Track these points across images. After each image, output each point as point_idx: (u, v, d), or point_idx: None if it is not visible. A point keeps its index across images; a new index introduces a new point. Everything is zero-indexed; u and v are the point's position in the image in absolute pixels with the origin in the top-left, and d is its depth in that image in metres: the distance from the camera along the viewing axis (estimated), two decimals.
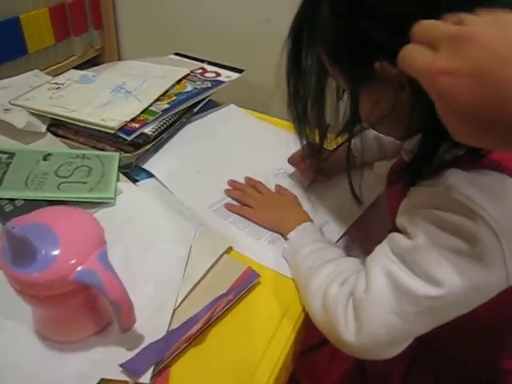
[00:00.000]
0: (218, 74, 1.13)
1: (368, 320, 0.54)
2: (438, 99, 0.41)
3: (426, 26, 0.42)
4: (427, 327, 0.55)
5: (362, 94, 0.59)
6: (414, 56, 0.42)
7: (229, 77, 1.12)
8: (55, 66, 1.45)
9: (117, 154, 0.88)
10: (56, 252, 0.50)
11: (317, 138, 0.75)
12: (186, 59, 1.22)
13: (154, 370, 0.56)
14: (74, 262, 0.51)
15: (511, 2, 0.43)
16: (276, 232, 0.78)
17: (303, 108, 0.69)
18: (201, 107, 1.06)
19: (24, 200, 0.75)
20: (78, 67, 1.47)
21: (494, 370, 0.72)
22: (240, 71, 1.14)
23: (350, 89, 0.61)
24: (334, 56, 0.59)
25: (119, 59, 1.71)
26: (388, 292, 0.54)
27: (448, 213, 0.51)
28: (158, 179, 0.87)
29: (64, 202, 0.76)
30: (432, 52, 0.41)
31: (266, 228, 0.79)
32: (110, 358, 0.57)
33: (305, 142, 0.75)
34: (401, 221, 0.57)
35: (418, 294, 0.52)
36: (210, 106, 1.10)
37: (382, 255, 0.57)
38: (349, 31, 0.55)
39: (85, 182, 0.81)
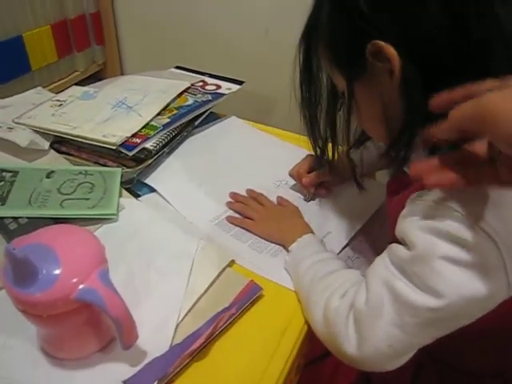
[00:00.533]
0: (219, 87, 1.14)
1: (369, 332, 0.55)
2: None
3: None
4: (429, 338, 0.55)
5: (356, 91, 0.60)
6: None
7: (229, 89, 1.13)
8: (59, 82, 1.47)
9: (119, 169, 0.88)
10: (57, 271, 0.51)
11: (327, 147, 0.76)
12: (186, 72, 1.23)
13: None
14: (75, 280, 0.51)
15: None
16: (278, 244, 0.78)
17: (314, 115, 0.69)
18: (202, 120, 1.07)
19: (28, 218, 0.75)
20: (81, 82, 1.50)
21: (500, 379, 0.72)
22: (240, 83, 1.15)
23: (346, 84, 0.60)
24: (330, 47, 0.59)
25: (122, 73, 1.72)
26: (388, 304, 0.53)
27: (447, 222, 0.51)
28: (160, 194, 0.88)
29: (67, 219, 0.77)
30: None
31: (268, 240, 0.79)
32: (113, 374, 0.57)
33: (317, 150, 0.76)
34: (399, 231, 0.57)
35: (418, 305, 0.51)
36: (212, 118, 1.11)
37: (382, 266, 0.57)
38: (342, 13, 0.55)
39: (87, 199, 0.81)
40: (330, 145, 0.75)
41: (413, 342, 0.55)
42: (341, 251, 0.80)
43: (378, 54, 0.53)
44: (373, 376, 0.82)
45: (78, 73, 1.54)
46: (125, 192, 0.86)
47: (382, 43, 0.52)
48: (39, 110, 1.01)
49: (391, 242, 0.58)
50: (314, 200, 0.90)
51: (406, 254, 0.54)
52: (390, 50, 0.51)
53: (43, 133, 0.94)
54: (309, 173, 0.88)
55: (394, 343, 0.54)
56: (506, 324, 0.64)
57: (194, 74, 1.21)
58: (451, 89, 0.45)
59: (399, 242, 0.57)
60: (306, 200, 0.90)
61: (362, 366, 0.59)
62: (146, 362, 0.59)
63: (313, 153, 0.78)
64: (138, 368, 0.58)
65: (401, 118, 0.56)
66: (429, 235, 0.52)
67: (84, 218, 0.78)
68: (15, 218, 0.75)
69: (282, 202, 0.86)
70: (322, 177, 0.87)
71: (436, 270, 0.50)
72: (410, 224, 0.55)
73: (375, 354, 0.55)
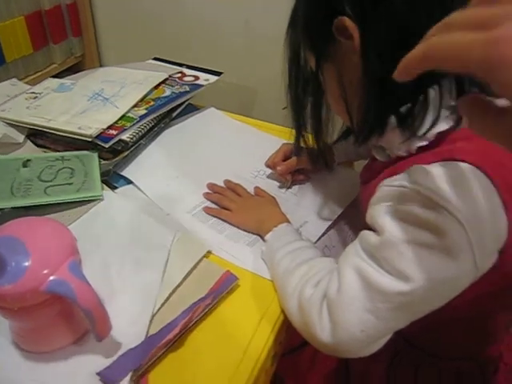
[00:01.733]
0: (197, 78, 1.13)
1: (342, 319, 0.55)
2: None
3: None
4: (402, 323, 0.56)
5: (325, 69, 0.62)
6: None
7: (207, 80, 1.12)
8: (35, 75, 1.44)
9: (95, 153, 0.89)
10: (26, 263, 0.50)
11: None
12: (164, 63, 1.22)
13: (131, 377, 0.56)
14: (45, 272, 0.51)
15: None
16: (255, 234, 0.78)
17: (301, 102, 0.70)
18: (180, 111, 1.06)
19: (0, 210, 0.75)
20: (59, 75, 1.48)
21: (476, 362, 0.73)
22: (218, 74, 1.15)
23: (315, 61, 0.62)
24: (304, 27, 0.61)
25: (100, 65, 1.70)
26: (360, 290, 0.54)
27: (414, 207, 0.51)
28: (136, 185, 0.87)
29: (54, 204, 0.78)
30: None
31: (244, 230, 0.79)
32: (87, 366, 0.57)
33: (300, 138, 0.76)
34: (369, 217, 0.58)
35: (389, 290, 0.52)
36: (190, 109, 1.10)
37: (353, 253, 0.57)
38: None
39: (70, 183, 0.82)
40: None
41: (386, 327, 0.55)
42: (318, 240, 0.80)
43: (343, 30, 0.55)
44: (351, 363, 0.83)
45: (55, 65, 1.52)
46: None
47: (346, 19, 0.54)
48: (14, 102, 1.00)
49: (363, 229, 0.59)
50: (291, 188, 0.90)
51: (376, 239, 0.54)
52: (353, 27, 0.53)
53: (18, 126, 0.93)
54: (284, 161, 0.88)
55: (368, 329, 0.54)
56: (478, 306, 0.65)
57: (172, 66, 1.20)
58: None
59: (371, 229, 0.57)
60: (284, 187, 0.90)
61: (337, 353, 0.60)
62: (120, 353, 0.59)
63: (288, 142, 0.79)
64: (113, 360, 0.58)
65: (364, 97, 0.57)
66: (396, 220, 0.53)
67: (71, 202, 0.79)
68: None
69: (259, 192, 0.87)
70: (299, 164, 0.88)
71: (404, 254, 0.51)
72: (379, 210, 0.55)
73: (349, 340, 0.55)
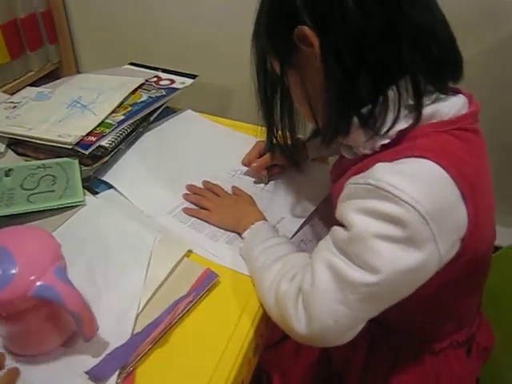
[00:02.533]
0: (173, 81, 1.15)
1: (316, 311, 0.58)
2: None
3: None
4: (373, 312, 0.59)
5: (289, 75, 0.66)
6: None
7: (183, 83, 1.14)
8: (13, 83, 1.46)
9: (76, 159, 0.91)
10: (13, 271, 0.53)
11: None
12: (140, 68, 1.24)
13: (119, 374, 0.59)
14: (31, 278, 0.54)
15: None
16: (233, 232, 0.82)
17: (271, 103, 0.74)
18: (157, 115, 1.09)
19: None
20: (37, 82, 1.49)
21: (448, 340, 0.77)
22: (194, 77, 1.17)
23: (280, 68, 0.66)
24: (268, 34, 0.65)
25: (78, 71, 1.72)
26: (331, 283, 0.57)
27: (378, 202, 0.55)
28: (117, 190, 0.89)
29: (37, 212, 0.80)
30: None
31: (223, 229, 0.82)
32: (76, 366, 0.60)
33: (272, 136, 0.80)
34: (338, 214, 0.61)
35: (358, 282, 0.55)
36: (167, 112, 1.13)
37: (325, 249, 0.60)
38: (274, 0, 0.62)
39: (52, 191, 0.84)
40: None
41: (358, 317, 0.59)
42: (294, 235, 0.83)
43: (303, 38, 0.59)
44: (332, 353, 0.87)
45: (32, 72, 1.53)
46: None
47: (306, 28, 0.58)
48: None
49: (335, 225, 0.62)
50: (267, 185, 0.93)
51: (345, 234, 0.58)
52: (312, 35, 0.58)
53: None
54: (259, 158, 0.92)
55: (340, 319, 0.57)
56: (445, 295, 0.69)
57: (148, 70, 1.22)
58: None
59: (341, 225, 0.61)
60: (261, 183, 0.93)
61: (314, 343, 0.63)
62: (108, 352, 0.61)
63: (262, 139, 0.82)
64: (101, 358, 0.61)
65: (326, 101, 0.62)
66: (363, 216, 0.56)
67: (54, 209, 0.81)
68: None
69: (236, 191, 0.90)
70: (273, 160, 0.91)
71: (371, 247, 0.54)
72: (346, 206, 0.59)
73: (323, 330, 0.58)
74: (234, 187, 0.91)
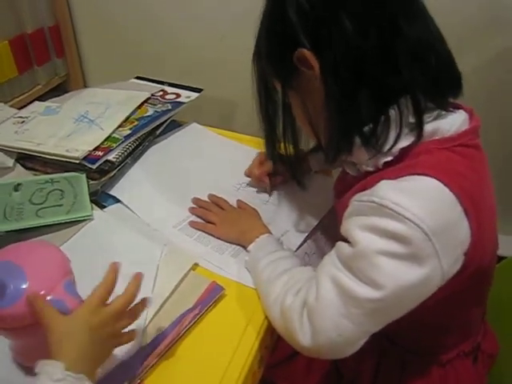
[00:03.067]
0: (178, 95, 1.17)
1: (320, 325, 0.59)
2: None
3: None
4: (377, 326, 0.60)
5: (291, 96, 0.68)
6: None
7: (188, 97, 1.16)
8: (21, 97, 1.48)
9: (83, 174, 0.93)
10: (24, 286, 0.55)
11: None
12: (146, 82, 1.26)
13: None
14: (42, 293, 0.55)
15: None
16: (239, 245, 0.83)
17: (272, 120, 0.75)
18: (163, 129, 1.10)
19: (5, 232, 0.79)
20: (44, 95, 1.51)
21: (455, 351, 0.77)
22: (199, 90, 1.19)
23: (281, 89, 0.68)
24: (268, 57, 0.67)
25: (85, 85, 1.74)
26: (335, 297, 0.58)
27: (382, 220, 0.56)
28: (124, 204, 0.91)
29: (46, 226, 0.82)
30: None
31: (229, 242, 0.84)
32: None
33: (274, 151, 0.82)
34: (343, 230, 0.62)
35: (362, 297, 0.56)
36: (173, 126, 1.14)
37: (330, 263, 0.62)
38: (273, 23, 0.64)
39: (61, 205, 0.86)
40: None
41: (361, 331, 0.60)
42: (298, 248, 0.84)
43: (303, 61, 0.61)
44: (341, 366, 0.87)
45: (40, 86, 1.55)
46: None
47: (305, 51, 0.59)
48: (2, 127, 1.04)
49: (339, 240, 0.63)
50: (272, 198, 0.95)
51: (350, 250, 0.59)
52: (312, 58, 0.59)
53: (7, 150, 0.97)
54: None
55: (344, 332, 0.59)
56: (450, 307, 0.70)
57: (154, 84, 1.24)
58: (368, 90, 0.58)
59: (346, 241, 0.62)
60: (266, 192, 0.95)
61: (318, 355, 0.64)
62: (115, 365, 0.63)
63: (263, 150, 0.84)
64: (108, 371, 0.62)
65: (328, 120, 0.63)
66: (367, 233, 0.57)
67: (62, 224, 0.83)
68: None
69: (241, 205, 0.91)
70: (274, 167, 0.93)
71: (375, 263, 0.56)
72: (351, 223, 0.60)
73: (328, 343, 0.60)
74: (238, 200, 0.92)
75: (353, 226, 0.60)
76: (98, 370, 0.60)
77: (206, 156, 1.07)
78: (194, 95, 1.17)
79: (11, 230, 0.79)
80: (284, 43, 0.62)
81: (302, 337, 0.62)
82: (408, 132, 0.60)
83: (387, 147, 0.61)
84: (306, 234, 0.87)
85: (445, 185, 0.56)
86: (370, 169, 0.64)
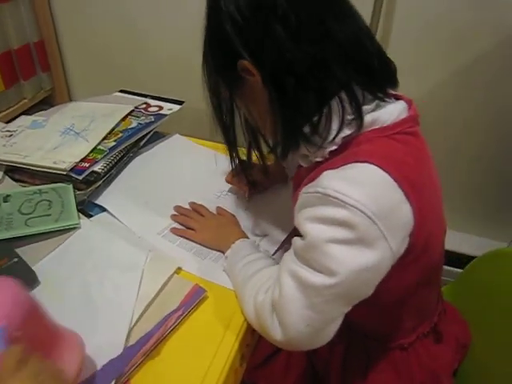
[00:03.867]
0: (161, 108, 1.22)
1: (287, 319, 0.64)
2: None
3: None
4: (339, 311, 0.64)
5: (240, 100, 0.73)
6: None
7: (170, 109, 1.21)
8: (7, 111, 1.51)
9: (70, 184, 0.97)
10: None
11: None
12: (130, 95, 1.31)
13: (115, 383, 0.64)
14: None
15: None
16: (218, 251, 0.87)
17: (226, 125, 0.78)
18: (147, 140, 1.15)
19: None
20: (30, 109, 1.55)
21: (413, 334, 0.82)
22: (180, 103, 1.23)
23: (229, 96, 0.73)
24: (215, 68, 0.71)
25: (70, 98, 1.77)
26: (296, 290, 0.63)
27: (327, 208, 0.60)
28: (110, 212, 0.95)
29: (35, 235, 0.86)
30: None
31: (207, 248, 0.88)
32: None
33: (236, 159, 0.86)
34: (296, 223, 0.66)
35: (319, 285, 0.60)
36: (156, 137, 1.19)
37: (288, 259, 0.66)
38: (213, 36, 0.69)
39: (49, 215, 0.90)
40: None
41: (327, 318, 0.64)
42: (276, 251, 0.89)
43: (245, 70, 0.66)
44: (314, 362, 0.92)
45: (26, 100, 1.59)
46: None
47: (245, 62, 0.65)
48: None
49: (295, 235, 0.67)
50: (250, 201, 0.99)
51: (302, 243, 0.63)
52: (252, 67, 0.65)
53: None
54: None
55: (310, 322, 0.63)
56: (405, 290, 0.75)
57: (138, 97, 1.28)
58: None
59: (300, 234, 0.66)
60: (245, 200, 0.99)
61: (292, 348, 0.69)
62: (103, 363, 0.66)
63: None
64: (98, 369, 0.66)
65: (272, 121, 0.69)
66: (315, 223, 0.61)
67: (50, 232, 0.87)
68: None
69: (220, 211, 0.96)
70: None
71: (326, 252, 0.59)
72: (301, 216, 0.64)
73: (298, 335, 0.64)
74: (218, 207, 0.96)
75: (302, 218, 0.63)
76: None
77: (188, 166, 1.12)
78: (176, 107, 1.22)
79: (2, 239, 0.83)
80: (225, 55, 0.67)
81: (274, 332, 0.66)
82: (349, 122, 0.65)
83: (331, 137, 0.65)
84: (284, 238, 0.91)
85: (384, 171, 0.60)
86: (319, 159, 0.69)
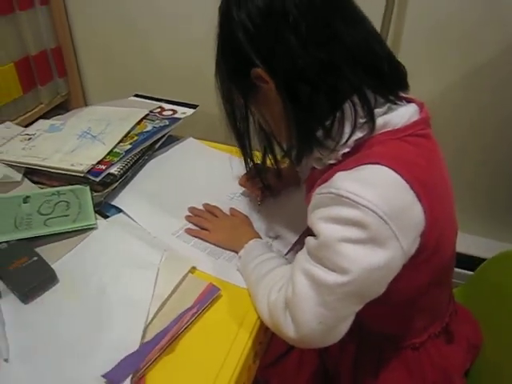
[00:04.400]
0: (175, 112, 1.24)
1: (300, 317, 0.65)
2: None
3: None
4: (351, 309, 0.65)
5: (255, 108, 0.75)
6: None
7: (184, 113, 1.23)
8: (25, 116, 1.54)
9: (87, 186, 0.99)
10: None
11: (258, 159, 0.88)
12: (145, 100, 1.33)
13: (132, 378, 0.66)
14: None
15: None
16: (231, 251, 0.89)
17: (240, 134, 0.80)
18: (161, 143, 1.17)
19: (6, 242, 0.84)
20: (47, 114, 1.58)
21: (425, 334, 0.83)
22: (195, 106, 1.26)
23: (243, 103, 0.74)
24: (229, 77, 0.73)
25: (85, 103, 1.81)
26: (309, 289, 0.64)
27: (340, 208, 0.61)
28: (126, 213, 0.97)
29: (54, 235, 0.88)
30: None
31: (221, 248, 0.90)
32: (92, 371, 0.66)
33: (250, 163, 0.87)
34: (309, 223, 0.67)
35: (332, 284, 0.62)
36: (171, 140, 1.21)
37: (301, 258, 0.67)
38: (226, 45, 0.70)
39: (67, 215, 0.92)
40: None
41: (339, 315, 0.65)
42: (288, 252, 0.90)
43: (259, 78, 0.68)
44: (326, 361, 0.93)
45: (43, 105, 1.62)
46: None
47: (259, 70, 0.67)
48: (10, 145, 1.10)
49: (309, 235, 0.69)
50: (263, 205, 1.01)
51: (315, 242, 0.65)
52: (265, 74, 0.66)
53: (16, 166, 1.03)
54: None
55: (323, 320, 0.64)
56: (416, 290, 0.76)
57: (152, 101, 1.31)
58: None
59: (314, 234, 0.67)
60: (258, 203, 1.01)
61: (305, 345, 0.70)
62: (121, 358, 0.68)
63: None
64: (114, 364, 0.67)
65: (287, 126, 0.70)
66: (328, 223, 0.63)
67: (69, 232, 0.89)
68: None
69: (233, 212, 0.98)
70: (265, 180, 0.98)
71: (338, 251, 0.61)
72: (314, 216, 0.66)
73: (310, 332, 0.65)
74: (231, 208, 0.98)
75: (315, 218, 0.65)
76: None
77: (202, 168, 1.14)
78: (190, 111, 1.24)
79: (22, 239, 0.85)
80: (239, 63, 0.69)
81: (288, 330, 0.67)
82: (361, 125, 0.66)
83: (343, 140, 0.67)
84: (296, 239, 0.92)
85: (396, 172, 0.61)
86: (332, 161, 0.70)
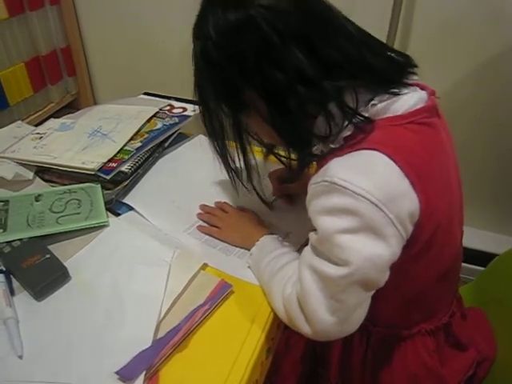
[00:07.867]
0: (185, 109, 1.24)
1: (311, 311, 0.65)
2: None
3: None
4: (360, 298, 0.65)
5: (248, 121, 0.76)
6: None
7: (194, 110, 1.23)
8: (35, 115, 1.56)
9: (98, 184, 0.99)
10: None
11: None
12: (154, 98, 1.33)
13: (145, 375, 0.66)
14: None
15: None
16: (242, 248, 0.89)
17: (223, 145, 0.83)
18: (171, 141, 1.17)
19: (19, 240, 0.85)
20: (57, 112, 1.59)
21: (429, 323, 0.82)
22: None
23: (232, 119, 0.75)
24: (217, 97, 0.74)
25: (94, 101, 1.82)
26: (314, 283, 0.64)
27: (333, 197, 0.61)
28: (137, 211, 0.97)
29: (66, 232, 0.89)
30: None
31: (232, 245, 0.90)
32: (105, 367, 0.67)
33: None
34: (309, 216, 0.67)
35: (335, 276, 0.62)
36: (181, 138, 1.21)
37: (306, 254, 0.68)
38: (219, 74, 0.70)
39: (78, 213, 0.93)
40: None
41: (348, 306, 0.64)
42: (299, 249, 0.89)
43: (249, 99, 0.68)
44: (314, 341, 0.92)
45: (53, 104, 1.63)
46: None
47: (247, 93, 0.67)
48: (21, 143, 1.11)
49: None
50: (275, 203, 1.01)
51: (315, 237, 0.65)
52: (256, 96, 0.67)
53: (27, 164, 1.04)
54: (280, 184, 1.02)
55: (334, 311, 0.64)
56: (419, 284, 0.76)
57: (162, 99, 1.31)
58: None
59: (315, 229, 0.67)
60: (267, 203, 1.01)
61: (321, 338, 0.70)
62: (134, 355, 0.68)
63: (275, 168, 0.92)
64: (127, 361, 0.67)
65: (279, 137, 0.71)
66: (323, 216, 0.63)
67: (80, 230, 0.90)
68: (8, 242, 0.85)
69: (242, 209, 0.98)
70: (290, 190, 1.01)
71: (336, 243, 0.61)
72: (311, 210, 0.66)
73: (325, 326, 0.65)
74: (239, 207, 0.99)
75: (312, 212, 0.65)
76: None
77: (212, 165, 1.13)
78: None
79: (34, 237, 0.86)
80: (227, 88, 0.70)
81: (302, 325, 0.67)
82: (357, 122, 0.66)
83: (341, 138, 0.67)
84: (307, 236, 0.92)
85: (391, 158, 0.61)
86: (335, 145, 0.69)
